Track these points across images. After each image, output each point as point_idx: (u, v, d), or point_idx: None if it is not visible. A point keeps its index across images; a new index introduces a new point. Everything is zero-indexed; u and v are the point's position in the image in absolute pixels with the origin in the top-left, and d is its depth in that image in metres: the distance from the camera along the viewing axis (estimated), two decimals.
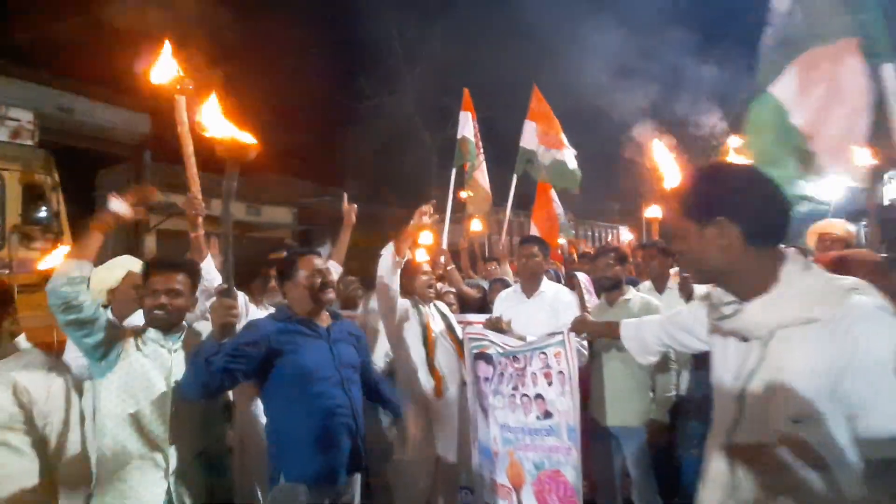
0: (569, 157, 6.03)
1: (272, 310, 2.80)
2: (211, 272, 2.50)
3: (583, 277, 3.95)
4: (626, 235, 14.91)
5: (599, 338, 2.88)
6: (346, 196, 3.59)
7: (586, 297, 3.67)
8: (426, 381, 3.02)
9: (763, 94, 2.12)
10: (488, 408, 2.65)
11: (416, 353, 3.04)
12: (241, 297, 2.74)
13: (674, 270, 4.09)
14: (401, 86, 15.71)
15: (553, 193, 6.52)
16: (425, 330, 3.06)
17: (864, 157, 2.40)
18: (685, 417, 2.98)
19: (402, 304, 3.12)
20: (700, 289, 3.68)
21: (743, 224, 1.25)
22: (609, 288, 3.28)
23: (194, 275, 2.20)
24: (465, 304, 4.01)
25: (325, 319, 2.32)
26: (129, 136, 11.71)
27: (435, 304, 3.25)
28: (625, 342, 2.01)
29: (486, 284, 5.00)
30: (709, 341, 1.52)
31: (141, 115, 11.49)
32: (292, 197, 13.50)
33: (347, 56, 15.45)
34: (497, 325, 2.73)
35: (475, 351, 2.77)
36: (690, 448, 2.84)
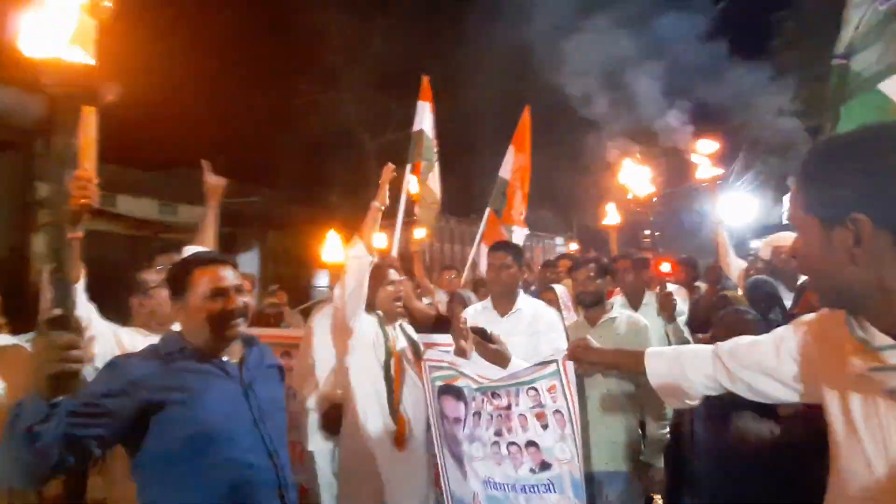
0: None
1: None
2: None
3: (561, 291, 3.50)
4: (562, 247, 14.86)
5: (608, 371, 2.38)
6: (208, 165, 2.68)
7: (564, 314, 3.20)
8: (384, 426, 2.39)
9: (872, 94, 1.75)
10: (462, 456, 2.06)
11: (374, 387, 2.41)
12: (107, 328, 1.98)
13: None
14: (339, 84, 14.80)
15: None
16: (390, 357, 2.43)
17: None
18: (683, 460, 2.55)
19: (364, 321, 2.49)
20: (683, 306, 3.40)
21: (894, 225, 0.82)
22: (590, 304, 2.82)
23: None
24: (414, 322, 3.41)
25: (234, 351, 1.64)
26: (18, 119, 10.12)
27: (401, 325, 2.63)
28: (654, 380, 1.50)
29: (442, 296, 4.45)
30: (820, 395, 1.05)
31: (33, 97, 9.95)
32: None
33: (283, 49, 14.36)
34: (473, 333, 2.11)
35: (439, 383, 2.16)
36: (693, 497, 2.40)
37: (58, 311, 1.20)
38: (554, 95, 13.29)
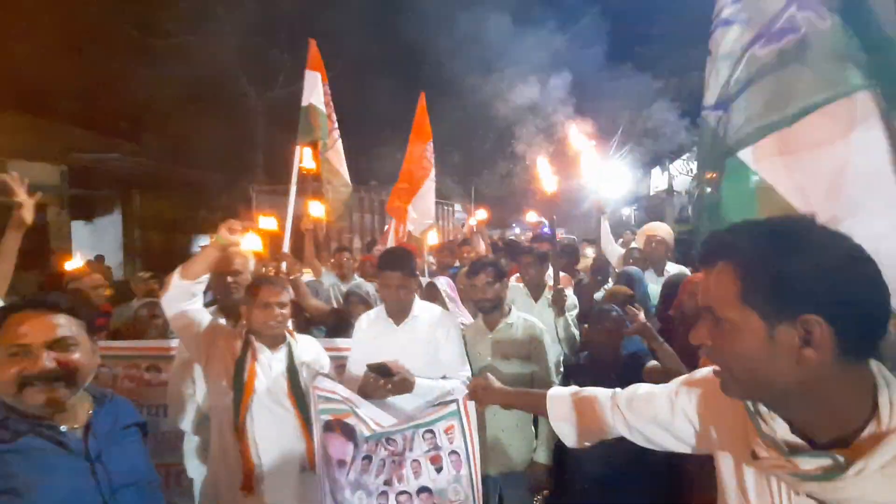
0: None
1: None
2: None
3: (443, 283, 3.44)
4: (461, 213, 14.98)
5: (508, 408, 2.36)
6: (15, 178, 2.18)
7: (449, 306, 3.16)
8: (230, 466, 2.17)
9: (737, 165, 1.63)
10: None
11: (228, 426, 2.18)
12: None
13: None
14: (216, 27, 13.03)
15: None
16: (242, 390, 2.14)
17: None
18: (571, 455, 2.68)
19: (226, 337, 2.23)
20: (574, 298, 3.55)
21: (841, 327, 0.80)
22: (489, 310, 2.81)
23: None
24: (310, 322, 3.19)
25: (78, 414, 1.33)
26: None
27: (289, 344, 2.32)
28: (556, 425, 1.51)
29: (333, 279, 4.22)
30: (712, 452, 1.11)
31: None
32: (61, 150, 10.23)
33: None
34: (382, 371, 2.00)
35: (325, 417, 1.97)
36: (583, 488, 2.53)
37: None
38: (450, 60, 13.15)
